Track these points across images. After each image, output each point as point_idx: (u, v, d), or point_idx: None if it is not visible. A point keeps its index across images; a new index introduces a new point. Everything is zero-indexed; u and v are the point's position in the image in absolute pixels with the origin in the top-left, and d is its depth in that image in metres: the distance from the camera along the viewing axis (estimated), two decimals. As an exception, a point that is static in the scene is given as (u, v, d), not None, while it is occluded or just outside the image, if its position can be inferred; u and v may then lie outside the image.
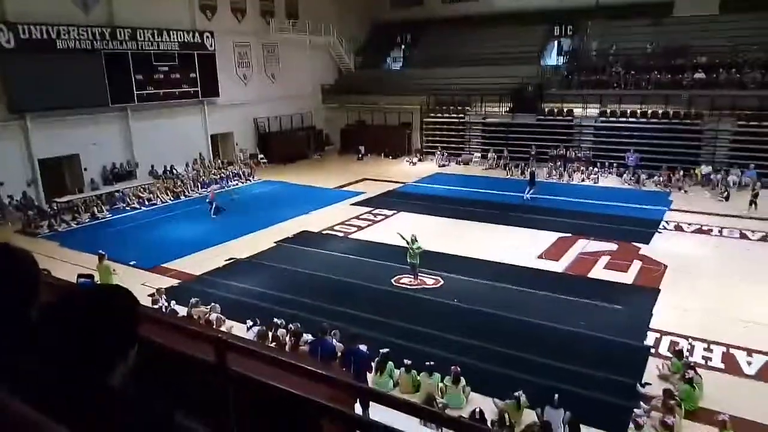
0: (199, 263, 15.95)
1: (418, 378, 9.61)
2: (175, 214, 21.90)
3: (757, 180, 21.58)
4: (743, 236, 17.18)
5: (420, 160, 30.97)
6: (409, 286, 14.01)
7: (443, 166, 29.60)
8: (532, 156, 27.62)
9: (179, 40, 26.51)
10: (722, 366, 10.18)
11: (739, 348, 10.62)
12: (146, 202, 23.25)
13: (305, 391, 2.12)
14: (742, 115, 24.14)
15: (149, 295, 12.18)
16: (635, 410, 8.73)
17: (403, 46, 38.99)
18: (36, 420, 1.06)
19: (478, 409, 8.43)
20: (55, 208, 21.46)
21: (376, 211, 21.26)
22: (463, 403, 9.18)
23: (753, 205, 19.58)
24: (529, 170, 24.15)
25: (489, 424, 8.23)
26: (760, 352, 10.48)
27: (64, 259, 16.28)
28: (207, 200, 21.76)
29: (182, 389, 2.57)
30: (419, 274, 14.22)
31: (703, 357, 10.44)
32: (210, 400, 2.52)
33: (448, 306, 12.90)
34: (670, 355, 10.19)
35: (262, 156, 31.49)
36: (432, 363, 9.62)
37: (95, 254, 13.83)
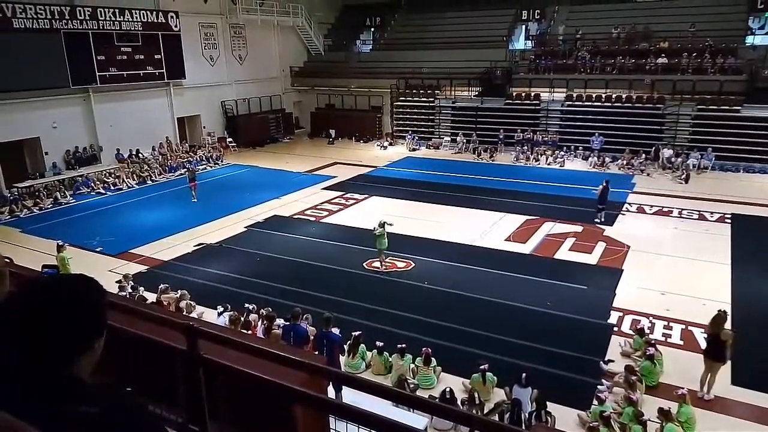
0: (167, 249, 15.74)
1: (390, 360, 9.76)
2: (141, 199, 21.47)
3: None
4: (702, 217, 17.76)
5: (391, 144, 30.92)
6: (380, 270, 14.12)
7: (414, 150, 29.63)
8: (500, 140, 27.91)
9: (142, 19, 25.70)
10: (681, 342, 10.61)
11: (697, 325, 11.04)
12: (111, 187, 22.74)
13: (277, 376, 2.16)
14: (701, 99, 24.76)
15: (116, 282, 12.01)
16: (598, 386, 9.07)
17: (372, 29, 38.61)
18: None
19: (448, 389, 8.63)
20: (16, 193, 20.81)
21: (348, 195, 21.22)
22: (434, 383, 9.39)
23: (600, 216, 17.08)
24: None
25: (459, 403, 8.44)
26: (716, 328, 10.94)
27: (27, 246, 15.87)
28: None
29: (153, 378, 2.57)
30: (389, 257, 14.34)
31: (663, 334, 10.85)
32: (182, 389, 2.53)
33: (419, 288, 13.06)
34: (632, 333, 10.58)
35: (230, 140, 31.00)
36: (403, 345, 9.77)
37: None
